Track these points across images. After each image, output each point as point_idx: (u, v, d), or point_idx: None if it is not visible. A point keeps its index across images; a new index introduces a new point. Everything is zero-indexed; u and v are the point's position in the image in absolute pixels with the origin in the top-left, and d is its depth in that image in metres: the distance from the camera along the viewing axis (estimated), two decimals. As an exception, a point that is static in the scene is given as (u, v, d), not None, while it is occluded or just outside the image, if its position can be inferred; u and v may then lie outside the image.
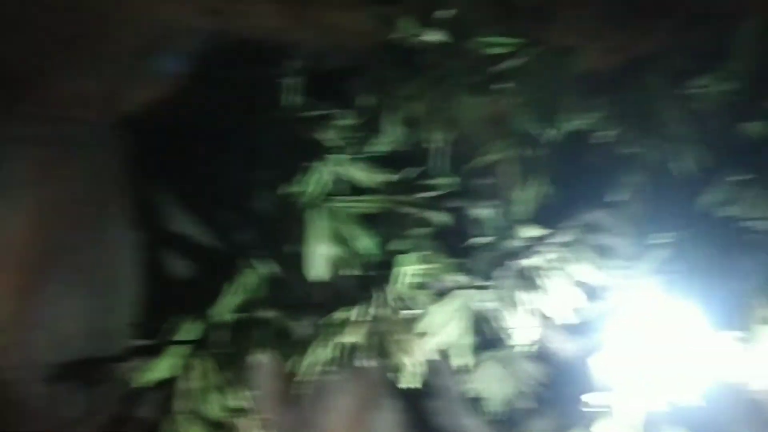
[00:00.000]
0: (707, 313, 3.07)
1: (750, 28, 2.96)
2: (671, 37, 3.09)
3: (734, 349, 3.09)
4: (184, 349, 3.12)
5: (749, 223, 3.04)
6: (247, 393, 3.19)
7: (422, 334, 3.21)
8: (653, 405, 3.16)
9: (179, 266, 3.33)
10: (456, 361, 3.25)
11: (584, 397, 3.19)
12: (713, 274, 3.06)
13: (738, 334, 3.05)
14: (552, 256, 3.20)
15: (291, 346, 3.21)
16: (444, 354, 3.41)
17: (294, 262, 3.16)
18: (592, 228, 3.25)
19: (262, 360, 3.25)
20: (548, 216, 3.25)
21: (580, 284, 3.22)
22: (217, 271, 3.23)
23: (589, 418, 3.16)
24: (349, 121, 3.16)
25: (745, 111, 3.05)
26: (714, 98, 3.05)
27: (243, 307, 3.19)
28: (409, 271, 3.18)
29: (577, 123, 3.11)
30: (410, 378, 3.22)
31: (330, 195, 3.16)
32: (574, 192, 3.31)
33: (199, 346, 3.14)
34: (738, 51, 2.98)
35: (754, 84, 3.01)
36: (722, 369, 3.15)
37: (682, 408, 3.15)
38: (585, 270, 3.21)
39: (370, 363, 3.28)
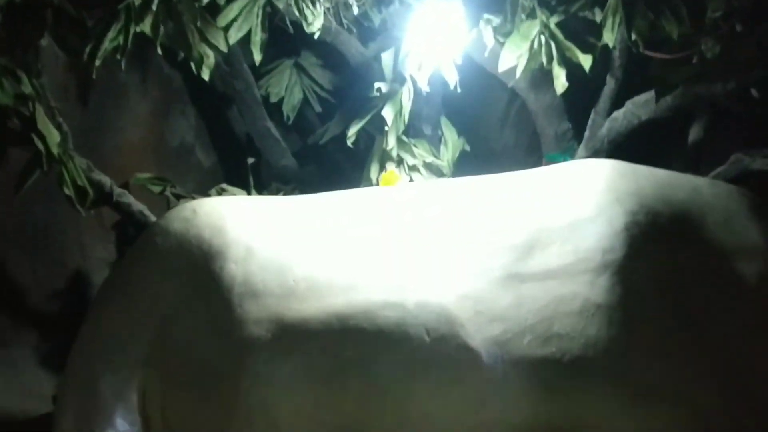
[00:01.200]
0: (480, 4, 3.38)
1: None
2: None
3: (496, 39, 3.41)
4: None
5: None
6: (35, 81, 3.00)
7: (219, 28, 3.21)
8: (424, 91, 3.40)
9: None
10: (252, 59, 3.28)
11: (376, 86, 3.40)
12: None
13: (502, 23, 3.39)
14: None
15: (81, 35, 3.05)
16: (240, 58, 3.43)
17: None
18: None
19: (50, 47, 3.06)
20: None
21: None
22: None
23: (380, 105, 3.38)
24: None
25: None
26: None
27: (26, -9, 2.96)
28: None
29: None
30: (206, 72, 3.20)
31: None
32: None
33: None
34: None
35: None
36: (483, 58, 3.49)
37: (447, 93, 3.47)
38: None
39: (166, 60, 3.20)
